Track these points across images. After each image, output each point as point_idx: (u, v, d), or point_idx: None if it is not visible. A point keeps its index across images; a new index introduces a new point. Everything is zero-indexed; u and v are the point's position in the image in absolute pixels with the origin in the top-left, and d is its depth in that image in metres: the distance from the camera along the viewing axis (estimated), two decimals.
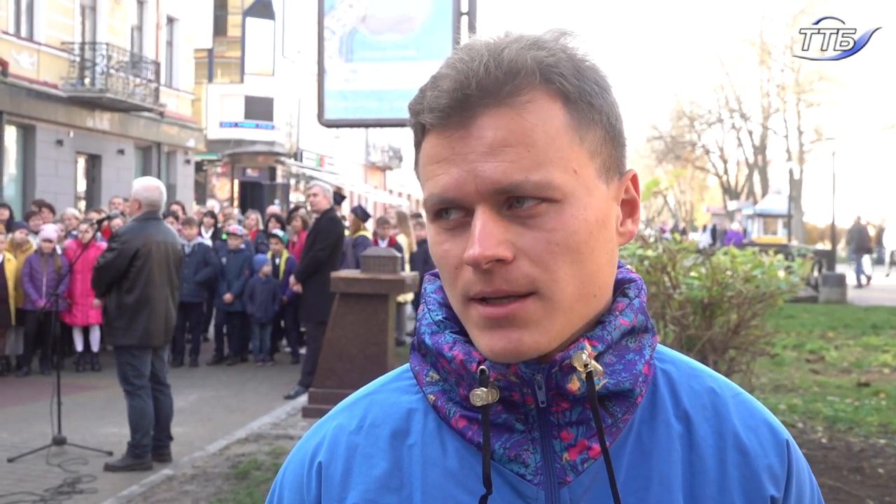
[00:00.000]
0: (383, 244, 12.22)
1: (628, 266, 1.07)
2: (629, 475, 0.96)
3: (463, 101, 0.91)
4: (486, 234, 0.89)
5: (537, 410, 0.95)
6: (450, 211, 0.93)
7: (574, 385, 0.92)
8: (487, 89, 0.90)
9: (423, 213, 1.00)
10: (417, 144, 0.98)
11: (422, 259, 13.05)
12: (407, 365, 1.06)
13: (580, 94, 0.93)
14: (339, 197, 11.94)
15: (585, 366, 0.91)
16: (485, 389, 0.92)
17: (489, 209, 0.90)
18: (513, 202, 0.91)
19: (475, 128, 0.91)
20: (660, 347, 1.05)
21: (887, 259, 32.32)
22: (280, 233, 12.57)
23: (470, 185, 0.90)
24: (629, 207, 1.01)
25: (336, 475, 1.01)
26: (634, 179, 1.01)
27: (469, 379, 0.94)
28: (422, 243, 13.46)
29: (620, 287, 1.03)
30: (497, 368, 0.93)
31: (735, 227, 32.83)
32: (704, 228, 42.37)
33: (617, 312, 0.98)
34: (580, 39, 0.96)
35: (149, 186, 7.01)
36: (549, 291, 0.90)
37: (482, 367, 0.93)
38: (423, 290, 1.06)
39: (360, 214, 12.41)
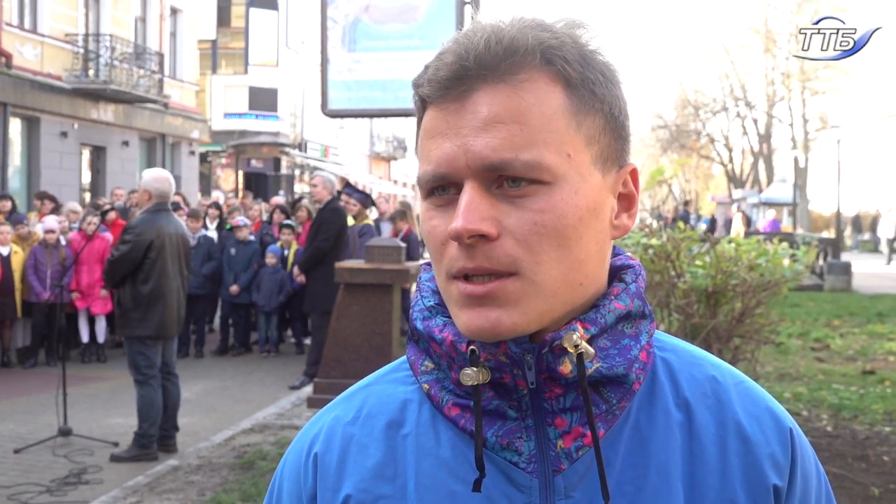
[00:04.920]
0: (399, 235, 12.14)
1: (628, 254, 1.06)
2: (626, 463, 0.95)
3: (461, 74, 0.91)
4: (472, 208, 0.89)
5: (530, 396, 0.94)
6: (444, 188, 0.93)
7: (566, 368, 0.91)
8: (485, 64, 0.90)
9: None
10: (419, 122, 0.98)
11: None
12: (404, 357, 1.06)
13: (582, 81, 0.93)
14: (367, 199, 11.87)
15: (576, 346, 0.90)
16: (474, 369, 0.92)
17: (478, 185, 0.90)
18: (504, 182, 0.90)
19: (470, 102, 0.91)
20: (661, 335, 1.04)
21: (886, 248, 32.21)
22: (293, 223, 12.53)
23: (461, 160, 0.90)
24: (626, 202, 1.00)
25: (331, 465, 1.01)
26: (634, 174, 1.00)
27: (460, 360, 0.94)
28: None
29: (618, 273, 1.02)
30: (487, 348, 0.92)
31: (771, 215, 32.42)
32: (699, 218, 42.19)
33: (612, 296, 0.97)
34: (594, 32, 0.96)
35: (159, 177, 7.05)
36: (532, 273, 0.90)
37: (472, 347, 0.92)
38: (418, 279, 1.06)
39: (365, 201, 12.25)
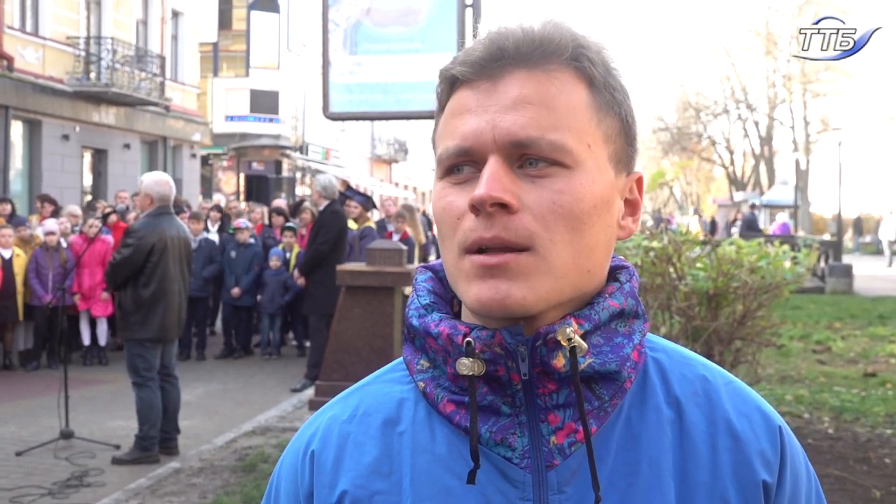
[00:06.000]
0: (396, 237, 12.16)
1: (621, 256, 1.08)
2: (618, 459, 0.97)
3: (497, 55, 0.96)
4: (496, 178, 0.92)
5: (523, 392, 0.95)
6: (462, 167, 0.96)
7: (559, 362, 0.93)
8: (521, 48, 0.95)
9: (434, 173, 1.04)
10: (441, 109, 1.01)
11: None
12: (400, 358, 1.08)
13: (604, 84, 0.98)
14: (368, 201, 11.89)
15: (569, 340, 0.92)
16: (470, 359, 0.94)
17: (502, 160, 0.94)
18: (525, 162, 0.94)
19: (502, 83, 0.95)
20: (652, 337, 1.06)
21: (887, 250, 32.21)
22: (294, 225, 12.54)
23: (487, 135, 0.94)
24: (631, 207, 1.04)
25: (328, 462, 1.03)
26: (640, 182, 1.04)
27: (456, 353, 0.95)
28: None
29: (613, 273, 1.05)
30: (482, 339, 0.94)
31: (782, 218, 32.23)
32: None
33: (607, 295, 0.99)
34: (616, 55, 1.01)
35: (159, 181, 7.07)
36: (545, 250, 0.92)
37: (468, 339, 0.94)
38: (413, 281, 1.08)
39: (366, 204, 12.25)
